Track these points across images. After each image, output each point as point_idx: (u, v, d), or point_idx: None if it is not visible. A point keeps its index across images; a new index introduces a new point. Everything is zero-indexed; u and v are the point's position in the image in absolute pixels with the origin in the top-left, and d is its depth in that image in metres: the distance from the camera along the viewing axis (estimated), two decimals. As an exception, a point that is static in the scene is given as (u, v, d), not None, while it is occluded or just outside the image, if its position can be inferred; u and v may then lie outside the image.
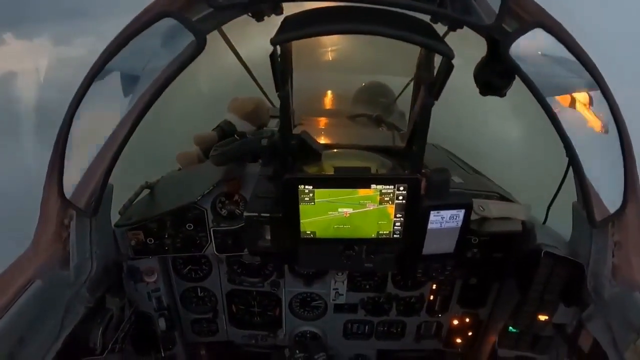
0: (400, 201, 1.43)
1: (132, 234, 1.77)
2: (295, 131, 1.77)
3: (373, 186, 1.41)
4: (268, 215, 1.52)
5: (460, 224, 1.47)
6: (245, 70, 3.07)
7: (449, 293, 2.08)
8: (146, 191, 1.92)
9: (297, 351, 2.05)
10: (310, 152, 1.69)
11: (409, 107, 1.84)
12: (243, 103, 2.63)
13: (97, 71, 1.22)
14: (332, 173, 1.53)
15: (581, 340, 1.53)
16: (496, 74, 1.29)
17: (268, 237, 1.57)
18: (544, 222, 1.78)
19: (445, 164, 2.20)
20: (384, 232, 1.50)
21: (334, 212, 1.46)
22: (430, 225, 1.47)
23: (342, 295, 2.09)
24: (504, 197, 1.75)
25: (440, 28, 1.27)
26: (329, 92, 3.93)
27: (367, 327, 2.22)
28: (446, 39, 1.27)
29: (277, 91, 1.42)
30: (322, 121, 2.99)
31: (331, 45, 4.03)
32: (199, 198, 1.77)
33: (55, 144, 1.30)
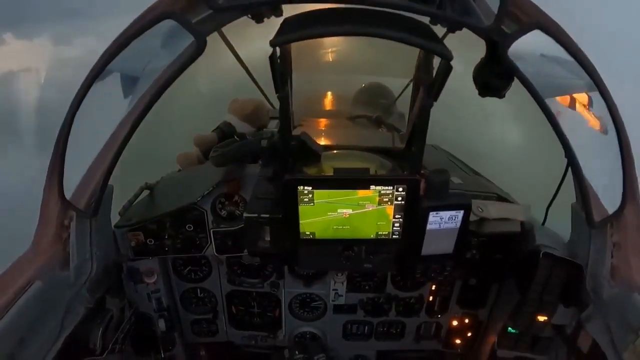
0: (400, 202, 1.44)
1: (132, 234, 1.77)
2: (295, 132, 1.77)
3: (372, 187, 1.42)
4: (268, 216, 1.53)
5: (459, 224, 1.48)
6: (245, 72, 3.08)
7: (448, 294, 2.09)
8: (146, 192, 1.92)
9: (297, 352, 2.05)
10: (309, 153, 1.70)
11: (409, 108, 1.85)
12: (243, 104, 2.64)
13: (98, 72, 1.22)
14: (332, 174, 1.53)
15: (580, 340, 1.53)
16: (495, 75, 1.29)
17: (268, 238, 1.57)
18: (543, 223, 1.78)
19: (445, 165, 2.22)
20: (383, 232, 1.51)
21: (333, 212, 1.46)
22: (429, 226, 1.47)
23: (342, 296, 2.09)
24: (503, 198, 1.75)
25: (439, 30, 1.27)
26: (329, 93, 3.92)
27: (366, 327, 2.22)
28: (445, 41, 1.27)
29: (276, 92, 1.42)
30: (322, 122, 2.98)
31: (331, 47, 4.02)
32: (198, 199, 1.77)
33: (56, 145, 1.30)
